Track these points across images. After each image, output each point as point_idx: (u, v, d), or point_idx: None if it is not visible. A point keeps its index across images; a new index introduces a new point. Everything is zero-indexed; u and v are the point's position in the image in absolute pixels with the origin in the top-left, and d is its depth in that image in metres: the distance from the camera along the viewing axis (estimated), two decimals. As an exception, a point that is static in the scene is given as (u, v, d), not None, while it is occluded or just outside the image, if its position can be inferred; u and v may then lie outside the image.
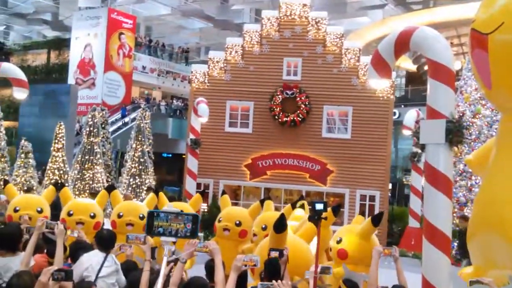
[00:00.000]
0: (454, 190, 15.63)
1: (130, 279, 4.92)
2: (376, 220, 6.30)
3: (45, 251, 5.63)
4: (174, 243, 4.15)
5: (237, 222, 9.35)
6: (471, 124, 16.67)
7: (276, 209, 12.17)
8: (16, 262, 4.73)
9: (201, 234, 4.63)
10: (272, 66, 17.98)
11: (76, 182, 16.29)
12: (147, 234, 4.43)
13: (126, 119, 28.94)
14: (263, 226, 8.90)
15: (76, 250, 5.45)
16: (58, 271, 3.69)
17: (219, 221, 9.54)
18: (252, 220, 9.64)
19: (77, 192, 15.92)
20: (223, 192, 10.83)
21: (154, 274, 4.46)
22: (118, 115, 29.79)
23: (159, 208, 10.04)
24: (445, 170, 6.37)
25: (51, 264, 5.02)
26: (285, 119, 17.52)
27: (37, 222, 5.07)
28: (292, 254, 5.05)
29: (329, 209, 6.90)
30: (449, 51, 6.66)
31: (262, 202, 9.69)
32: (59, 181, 12.88)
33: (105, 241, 5.39)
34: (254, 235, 8.95)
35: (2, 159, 16.91)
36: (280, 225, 5.48)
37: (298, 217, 8.48)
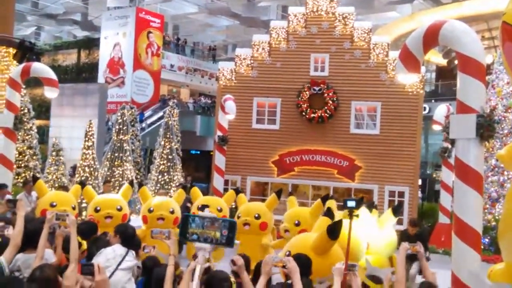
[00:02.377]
0: (485, 186, 15.37)
1: (156, 275, 4.97)
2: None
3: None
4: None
5: (256, 215, 9.52)
6: (503, 118, 16.36)
7: (304, 205, 12.20)
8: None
9: (237, 242, 4.52)
10: (299, 63, 17.92)
11: (107, 179, 16.54)
12: (181, 239, 4.32)
13: (155, 117, 29.23)
14: (296, 222, 8.97)
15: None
16: (87, 265, 3.71)
17: (238, 217, 9.67)
18: (270, 212, 9.76)
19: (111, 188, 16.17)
20: (239, 191, 10.95)
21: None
22: (149, 112, 30.15)
23: (193, 202, 10.26)
24: (476, 165, 6.26)
25: (68, 260, 5.10)
26: (312, 115, 17.45)
27: (47, 214, 5.06)
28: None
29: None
30: (479, 44, 6.54)
31: (278, 194, 9.81)
32: (81, 180, 13.14)
33: (128, 236, 5.47)
34: (286, 230, 9.00)
35: (34, 157, 17.29)
36: (335, 231, 5.28)
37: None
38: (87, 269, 3.63)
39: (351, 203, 4.61)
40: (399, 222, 16.71)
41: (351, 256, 5.03)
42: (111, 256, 5.18)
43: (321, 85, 17.43)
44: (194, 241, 3.81)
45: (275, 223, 10.54)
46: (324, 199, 9.19)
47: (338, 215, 6.76)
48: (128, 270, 5.15)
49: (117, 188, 16.15)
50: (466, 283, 6.00)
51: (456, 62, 6.67)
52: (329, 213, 6.80)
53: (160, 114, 28.83)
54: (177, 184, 17.19)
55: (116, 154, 16.91)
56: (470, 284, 5.85)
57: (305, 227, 8.74)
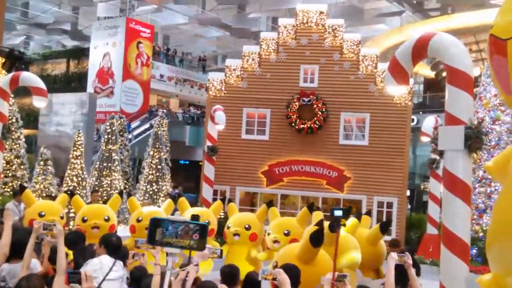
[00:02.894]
0: (473, 197, 15.47)
1: (144, 286, 4.94)
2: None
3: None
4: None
5: (247, 226, 9.46)
6: (490, 130, 16.51)
7: (293, 215, 12.17)
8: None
9: (218, 250, 4.49)
10: (289, 74, 18.00)
11: (94, 189, 16.45)
12: (149, 244, 4.22)
13: (145, 127, 29.15)
14: (286, 232, 8.92)
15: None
16: (74, 273, 3.68)
17: (228, 227, 9.63)
18: (260, 223, 9.72)
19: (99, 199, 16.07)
20: (229, 200, 10.97)
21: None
22: (137, 123, 30.08)
23: (181, 213, 10.19)
24: (464, 176, 6.32)
25: (55, 270, 5.05)
26: (302, 126, 17.50)
27: (34, 224, 5.01)
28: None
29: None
30: (467, 56, 6.62)
31: (268, 205, 9.77)
32: (69, 190, 13.05)
33: (114, 246, 5.44)
34: (276, 241, 8.96)
35: (22, 166, 17.15)
36: (318, 239, 5.27)
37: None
38: (74, 277, 3.61)
39: (338, 212, 4.60)
40: (388, 233, 16.79)
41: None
42: (98, 267, 5.13)
43: (311, 96, 17.50)
44: (162, 245, 3.66)
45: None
46: (310, 207, 9.21)
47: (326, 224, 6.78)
48: (115, 280, 5.11)
49: (106, 198, 16.07)
50: (455, 293, 6.02)
51: (444, 74, 6.72)
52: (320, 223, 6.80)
53: (147, 125, 28.82)
54: (165, 194, 17.11)
55: (105, 164, 16.84)
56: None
57: (295, 236, 8.72)
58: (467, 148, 6.26)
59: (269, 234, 9.22)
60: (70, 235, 6.48)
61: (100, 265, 5.15)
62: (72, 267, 5.63)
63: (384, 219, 16.69)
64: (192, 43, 42.63)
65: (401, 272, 4.78)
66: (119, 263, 5.34)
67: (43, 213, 8.64)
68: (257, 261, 9.21)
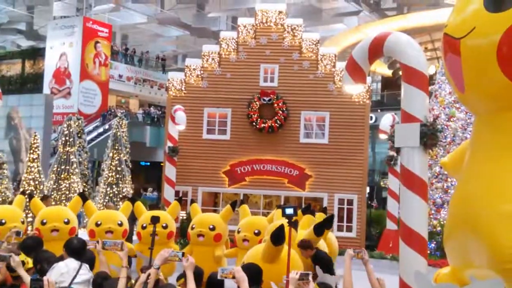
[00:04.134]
0: (430, 192, 15.85)
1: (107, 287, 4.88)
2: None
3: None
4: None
5: (211, 226, 9.40)
6: (446, 127, 16.95)
7: (256, 214, 12.20)
8: None
9: (180, 253, 4.58)
10: (249, 73, 18.03)
11: (53, 193, 16.09)
12: None
13: (102, 129, 28.69)
14: (256, 231, 8.91)
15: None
16: (36, 280, 3.61)
17: (192, 228, 9.55)
18: (225, 223, 9.69)
19: (53, 203, 15.70)
20: (192, 201, 10.89)
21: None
22: (95, 124, 29.56)
23: (137, 216, 9.99)
24: (421, 173, 6.45)
25: (13, 278, 4.94)
26: (262, 125, 17.56)
27: None
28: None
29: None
30: (422, 55, 6.76)
31: (233, 205, 9.75)
32: (28, 192, 12.70)
33: (77, 249, 5.35)
34: (245, 240, 8.95)
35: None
36: (279, 237, 5.30)
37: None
38: (36, 284, 3.54)
39: (289, 211, 4.61)
40: (348, 229, 17.04)
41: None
42: (65, 271, 5.05)
43: (271, 95, 17.58)
44: None
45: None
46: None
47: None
48: (83, 284, 5.03)
49: (64, 201, 15.73)
50: (413, 287, 6.15)
51: (400, 72, 6.87)
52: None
53: (101, 130, 28.36)
54: (122, 196, 16.78)
55: (63, 167, 16.46)
56: (417, 286, 6.01)
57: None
58: (423, 145, 6.39)
59: (239, 232, 9.20)
60: (28, 240, 6.32)
61: (66, 268, 5.07)
62: (34, 272, 5.50)
63: (345, 216, 16.94)
64: (152, 43, 42.19)
65: None
66: (85, 266, 5.26)
67: (3, 221, 8.40)
68: (222, 261, 9.19)
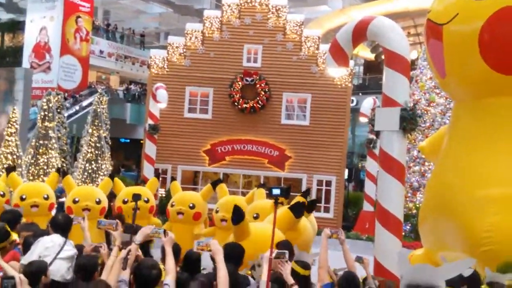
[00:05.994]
0: (407, 176, 16.07)
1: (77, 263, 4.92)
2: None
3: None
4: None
5: (191, 205, 9.48)
6: (425, 112, 17.14)
7: (234, 194, 12.29)
8: None
9: (161, 230, 4.67)
10: (232, 53, 17.95)
11: (30, 167, 15.95)
12: None
13: (84, 104, 28.32)
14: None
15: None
16: (8, 278, 3.61)
17: (172, 205, 9.61)
18: (204, 202, 9.77)
19: (31, 178, 15.59)
20: (172, 179, 10.96)
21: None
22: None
23: (116, 193, 10.01)
24: (399, 156, 6.57)
25: None
26: (244, 105, 17.56)
27: None
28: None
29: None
30: (404, 40, 6.84)
31: (213, 184, 9.83)
32: (9, 165, 12.56)
33: (62, 225, 5.36)
34: (223, 220, 9.03)
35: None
36: (237, 216, 5.50)
37: None
38: (7, 283, 3.53)
39: (276, 191, 4.69)
40: (326, 210, 17.24)
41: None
42: (50, 245, 5.06)
43: (254, 76, 17.56)
44: None
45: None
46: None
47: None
48: (67, 259, 5.05)
49: (42, 176, 15.63)
50: (388, 268, 6.30)
51: (383, 56, 6.94)
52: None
53: (77, 107, 27.91)
54: (105, 173, 16.74)
55: (41, 142, 16.30)
56: (392, 267, 6.17)
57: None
58: (402, 129, 6.50)
59: (217, 211, 9.26)
60: (8, 214, 6.31)
61: (52, 243, 5.08)
62: (20, 244, 5.50)
63: (323, 197, 17.12)
64: (134, 19, 41.59)
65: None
66: (70, 242, 5.27)
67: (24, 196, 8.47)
68: (200, 238, 9.27)
